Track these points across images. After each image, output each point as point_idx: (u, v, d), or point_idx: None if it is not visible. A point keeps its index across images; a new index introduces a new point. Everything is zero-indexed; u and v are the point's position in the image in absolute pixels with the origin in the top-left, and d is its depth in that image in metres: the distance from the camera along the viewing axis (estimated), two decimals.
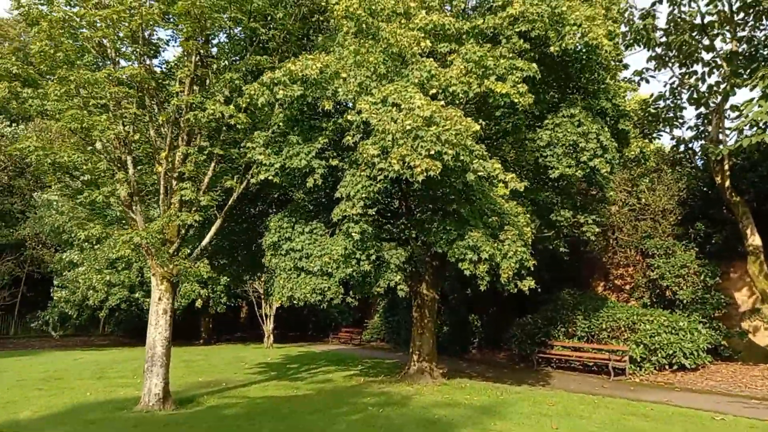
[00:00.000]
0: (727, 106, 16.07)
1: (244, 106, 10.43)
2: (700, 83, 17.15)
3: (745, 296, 17.68)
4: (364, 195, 10.20)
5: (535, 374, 16.91)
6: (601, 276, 22.13)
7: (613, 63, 12.97)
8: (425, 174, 9.13)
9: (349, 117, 10.22)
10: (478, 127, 9.30)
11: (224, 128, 11.54)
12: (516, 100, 10.09)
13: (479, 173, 9.67)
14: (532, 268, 10.61)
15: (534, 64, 10.34)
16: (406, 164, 9.23)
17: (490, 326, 23.51)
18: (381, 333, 29.65)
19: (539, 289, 11.71)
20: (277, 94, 9.89)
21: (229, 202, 12.44)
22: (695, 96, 17.59)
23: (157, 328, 11.45)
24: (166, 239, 11.66)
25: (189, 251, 12.67)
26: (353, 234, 10.41)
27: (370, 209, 10.55)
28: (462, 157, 9.23)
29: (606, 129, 12.33)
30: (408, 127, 8.97)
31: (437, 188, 11.21)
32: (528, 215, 11.44)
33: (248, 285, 27.92)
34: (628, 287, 20.62)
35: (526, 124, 12.70)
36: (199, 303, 25.39)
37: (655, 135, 20.31)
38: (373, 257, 11.07)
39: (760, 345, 16.94)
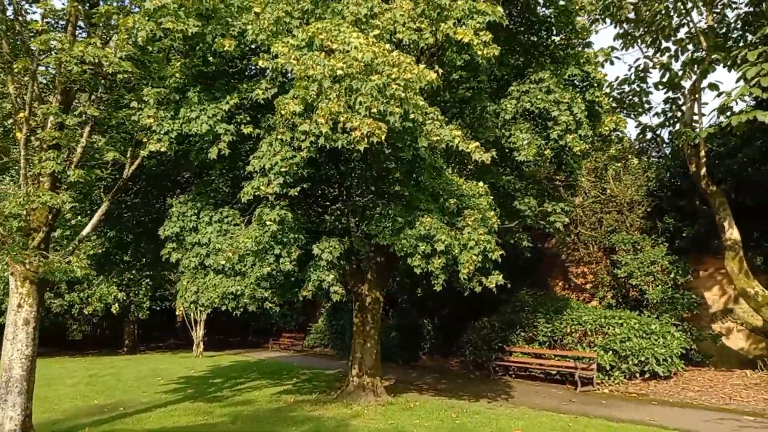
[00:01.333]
0: (704, 84, 14.52)
1: (122, 45, 7.83)
2: (672, 61, 15.64)
3: (716, 296, 16.30)
4: (284, 169, 7.79)
5: (493, 385, 14.94)
6: (560, 275, 20.48)
7: (585, 19, 11.18)
8: (367, 141, 6.89)
9: (260, 63, 7.77)
10: (434, 76, 7.11)
11: (102, 81, 8.88)
12: (479, 52, 7.97)
13: (434, 138, 7.45)
14: (500, 260, 8.50)
15: (499, 7, 8.23)
16: (341, 126, 6.96)
17: (442, 330, 21.48)
18: (325, 338, 27.17)
19: (509, 285, 9.65)
20: (165, 25, 7.35)
21: (119, 183, 9.81)
22: (665, 78, 16.09)
23: (15, 343, 8.70)
24: (30, 227, 8.97)
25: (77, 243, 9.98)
26: (268, 223, 8.01)
27: (293, 188, 8.12)
28: (413, 116, 7.02)
29: (579, 99, 10.47)
30: (339, 72, 6.68)
31: (381, 162, 8.91)
32: (491, 198, 9.30)
33: (173, 287, 24.96)
34: (589, 286, 19.02)
35: (487, 92, 10.64)
36: (115, 308, 22.37)
37: None
38: (295, 255, 8.60)
39: (733, 348, 15.56)
